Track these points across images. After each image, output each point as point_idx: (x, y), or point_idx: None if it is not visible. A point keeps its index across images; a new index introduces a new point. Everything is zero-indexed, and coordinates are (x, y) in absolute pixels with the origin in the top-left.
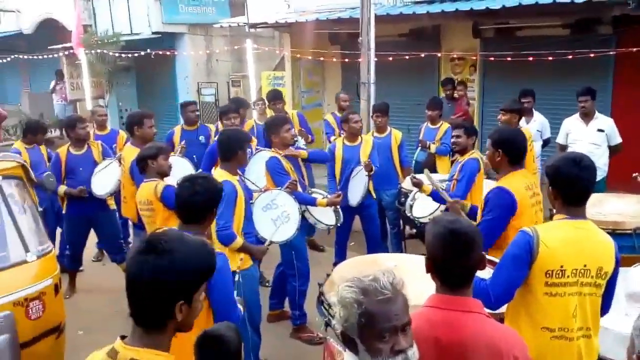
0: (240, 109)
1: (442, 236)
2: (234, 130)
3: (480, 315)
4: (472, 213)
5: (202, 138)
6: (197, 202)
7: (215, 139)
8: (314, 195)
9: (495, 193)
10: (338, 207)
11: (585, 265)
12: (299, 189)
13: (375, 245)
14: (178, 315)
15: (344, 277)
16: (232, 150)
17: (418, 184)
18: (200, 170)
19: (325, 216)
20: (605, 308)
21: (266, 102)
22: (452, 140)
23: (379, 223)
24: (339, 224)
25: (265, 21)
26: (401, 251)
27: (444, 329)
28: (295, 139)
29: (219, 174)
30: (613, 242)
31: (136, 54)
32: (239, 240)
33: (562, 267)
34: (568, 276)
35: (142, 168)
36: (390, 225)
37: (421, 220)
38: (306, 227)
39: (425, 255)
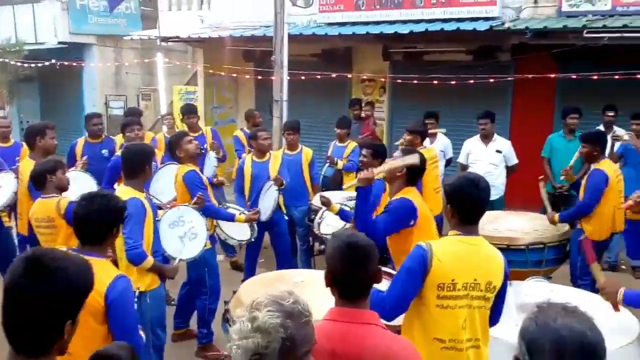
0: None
1: (340, 249)
2: (140, 145)
3: (376, 327)
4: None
5: (104, 151)
6: (95, 221)
7: (118, 153)
8: (230, 210)
9: (397, 201)
10: (254, 223)
11: (475, 280)
12: (214, 202)
13: (284, 261)
14: (67, 335)
15: (251, 295)
16: (138, 166)
17: (326, 203)
18: (101, 185)
19: (237, 232)
20: (493, 320)
21: (175, 116)
22: (360, 159)
23: (288, 239)
24: (253, 239)
25: (178, 35)
26: (310, 267)
27: (340, 342)
28: (203, 151)
29: (125, 191)
30: (502, 258)
31: (40, 64)
32: (150, 260)
33: (453, 280)
34: (459, 289)
35: (38, 183)
36: (300, 241)
37: (329, 237)
38: (229, 247)
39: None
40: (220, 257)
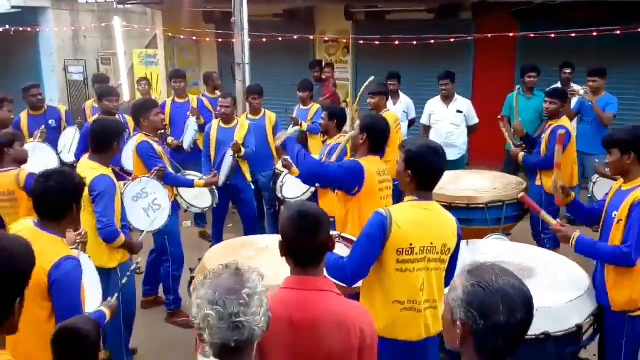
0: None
1: (292, 218)
2: (111, 121)
3: (330, 294)
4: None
5: (52, 122)
6: (52, 198)
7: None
8: (189, 177)
9: (349, 161)
10: (214, 188)
11: (431, 243)
12: (171, 170)
13: (251, 227)
14: (18, 311)
15: (215, 261)
16: (106, 142)
17: (287, 166)
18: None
19: (199, 200)
20: (448, 280)
21: (152, 81)
22: (320, 122)
23: (254, 206)
24: (215, 205)
25: None
26: (277, 231)
27: (296, 309)
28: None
29: (91, 166)
30: (455, 220)
31: None
32: (122, 237)
33: (411, 245)
34: (416, 253)
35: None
36: (267, 206)
37: (292, 200)
38: (199, 217)
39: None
40: (187, 224)
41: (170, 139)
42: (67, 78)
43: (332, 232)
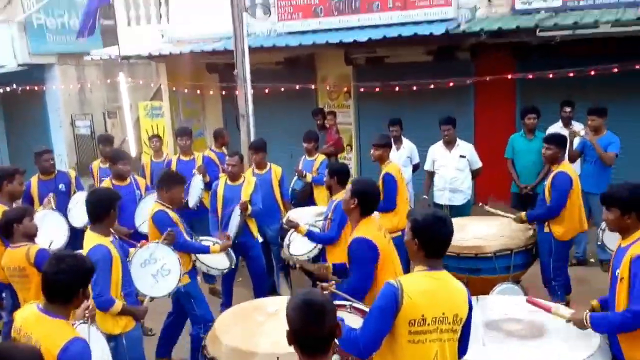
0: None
1: (298, 308)
2: (104, 190)
3: None
4: (339, 269)
5: (61, 186)
6: (61, 281)
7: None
8: (204, 242)
9: (357, 244)
10: (229, 250)
11: (443, 314)
12: (186, 237)
13: (260, 284)
14: None
15: (227, 328)
16: (103, 211)
17: (293, 225)
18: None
19: (216, 261)
20: (462, 351)
21: (162, 137)
22: (324, 179)
23: (263, 262)
24: (233, 266)
25: (139, 53)
26: (288, 284)
27: None
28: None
29: (90, 237)
30: (465, 290)
31: (0, 90)
32: (119, 304)
33: (423, 316)
34: (429, 324)
35: (6, 233)
36: (275, 259)
37: (299, 258)
38: (208, 276)
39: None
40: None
41: None
42: (74, 132)
43: (343, 302)
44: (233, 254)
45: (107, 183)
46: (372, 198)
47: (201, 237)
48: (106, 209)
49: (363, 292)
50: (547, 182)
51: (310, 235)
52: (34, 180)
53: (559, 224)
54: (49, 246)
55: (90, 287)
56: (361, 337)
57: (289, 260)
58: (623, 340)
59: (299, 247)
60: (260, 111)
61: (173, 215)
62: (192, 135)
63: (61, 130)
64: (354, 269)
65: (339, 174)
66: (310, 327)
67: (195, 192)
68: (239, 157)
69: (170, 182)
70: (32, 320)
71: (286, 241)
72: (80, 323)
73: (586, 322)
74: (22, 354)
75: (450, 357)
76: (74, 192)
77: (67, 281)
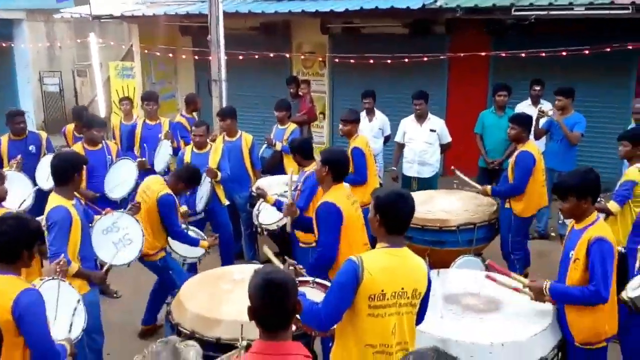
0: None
1: (259, 287)
2: (70, 154)
3: (298, 357)
4: (304, 221)
5: (32, 148)
6: (3, 242)
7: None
8: (191, 234)
9: (322, 208)
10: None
11: (402, 288)
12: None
13: (227, 250)
14: None
15: (192, 295)
16: (67, 175)
17: (262, 195)
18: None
19: (190, 250)
20: (419, 320)
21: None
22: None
23: (230, 229)
24: (208, 253)
25: (111, 13)
26: (254, 251)
27: None
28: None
29: (53, 198)
30: (425, 265)
31: None
32: (74, 266)
33: (382, 291)
34: (388, 299)
35: None
36: (244, 226)
37: (268, 227)
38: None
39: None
40: None
41: (145, 160)
42: (42, 89)
43: (307, 278)
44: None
45: (78, 147)
46: (342, 164)
47: (189, 227)
48: (70, 173)
49: (329, 259)
50: (511, 161)
51: (278, 205)
52: (4, 140)
53: (519, 201)
54: (19, 206)
55: (38, 247)
56: (322, 311)
57: (257, 227)
58: (572, 321)
59: (268, 216)
60: (234, 77)
61: (176, 200)
62: (159, 100)
63: (29, 87)
64: (321, 232)
65: (300, 151)
66: (270, 306)
67: (162, 157)
68: (206, 127)
69: (191, 180)
70: None
71: (255, 210)
72: (49, 279)
73: (545, 291)
74: None
75: (407, 329)
76: (44, 154)
77: (8, 242)
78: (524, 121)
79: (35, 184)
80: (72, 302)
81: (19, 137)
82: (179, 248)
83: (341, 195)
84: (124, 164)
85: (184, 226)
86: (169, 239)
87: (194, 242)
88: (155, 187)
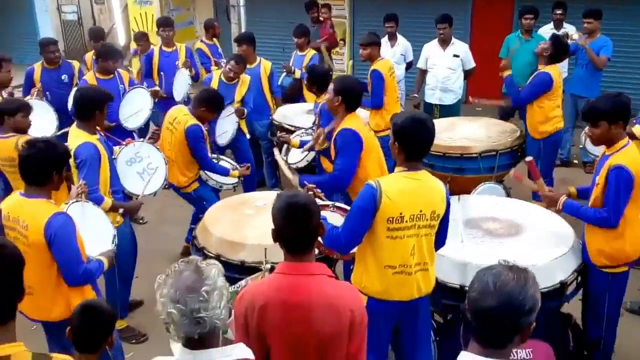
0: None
1: (282, 209)
2: (92, 90)
3: (322, 277)
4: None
5: (64, 77)
6: (32, 165)
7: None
8: (222, 164)
9: (343, 134)
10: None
11: (421, 211)
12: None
13: (249, 178)
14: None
15: (215, 220)
16: (89, 112)
17: (286, 141)
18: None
19: (226, 178)
20: (440, 243)
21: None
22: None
23: (251, 157)
24: (239, 184)
25: None
26: (276, 179)
27: (289, 293)
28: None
29: (77, 134)
30: (444, 188)
31: None
32: (108, 201)
33: (401, 214)
34: (406, 221)
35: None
36: (265, 154)
37: (298, 165)
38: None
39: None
40: None
41: (158, 89)
42: (60, 18)
43: (326, 202)
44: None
45: (89, 76)
46: (354, 94)
47: (220, 157)
48: (91, 109)
49: (346, 180)
50: (530, 79)
51: (302, 145)
52: (37, 67)
53: (532, 118)
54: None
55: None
56: (343, 234)
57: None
58: (591, 243)
59: (294, 156)
60: (252, 2)
61: (204, 129)
62: (174, 26)
63: (47, 15)
64: (340, 156)
65: (318, 82)
66: (294, 227)
67: (181, 87)
68: (243, 65)
69: (214, 105)
70: (16, 205)
71: (282, 156)
72: (74, 202)
73: (560, 205)
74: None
75: (427, 250)
76: (76, 84)
77: (37, 165)
78: (561, 45)
79: (61, 112)
80: (101, 220)
81: (53, 66)
82: (215, 175)
83: (358, 122)
84: (138, 93)
85: (214, 156)
86: None
87: (224, 172)
88: (182, 117)
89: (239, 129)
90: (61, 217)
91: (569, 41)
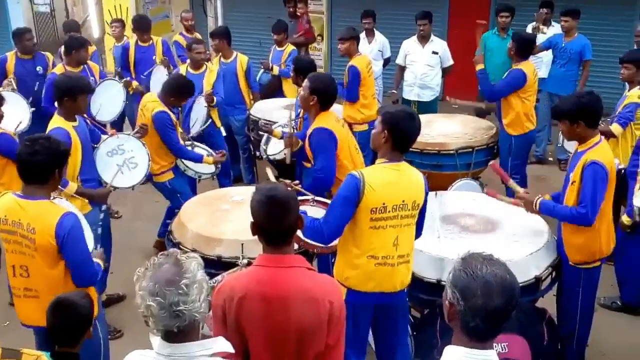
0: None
1: (262, 202)
2: (72, 78)
3: (301, 269)
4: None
5: (39, 68)
6: (37, 162)
7: (52, 70)
8: (197, 150)
9: (317, 134)
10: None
11: (403, 201)
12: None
13: (223, 174)
14: None
15: (191, 215)
16: (68, 98)
17: (268, 131)
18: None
19: (204, 167)
20: (418, 232)
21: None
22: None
23: (226, 150)
24: (218, 172)
25: None
26: (252, 174)
27: (268, 285)
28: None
29: (54, 120)
30: (423, 178)
31: None
32: (73, 185)
33: (384, 204)
34: (389, 211)
35: None
36: (241, 150)
37: (276, 157)
38: None
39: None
40: None
41: (134, 83)
42: (33, 10)
43: (306, 197)
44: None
45: (59, 69)
46: (329, 94)
47: (195, 144)
48: (70, 96)
49: (330, 179)
50: (505, 75)
51: (285, 137)
52: (11, 56)
53: (507, 116)
54: (16, 128)
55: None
56: (325, 225)
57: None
58: (566, 240)
59: (275, 147)
60: None
61: (173, 117)
62: (150, 28)
63: (19, 7)
64: (318, 156)
65: (305, 73)
66: (273, 221)
67: (158, 83)
68: (204, 45)
69: (180, 90)
70: (15, 208)
71: (262, 145)
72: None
73: (535, 206)
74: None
75: (408, 241)
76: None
77: (42, 162)
78: (521, 40)
79: (33, 105)
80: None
81: (28, 55)
82: (193, 164)
83: (331, 119)
84: (109, 85)
85: (188, 143)
86: None
87: (196, 159)
88: (150, 104)
89: (212, 122)
90: (71, 216)
91: (539, 34)
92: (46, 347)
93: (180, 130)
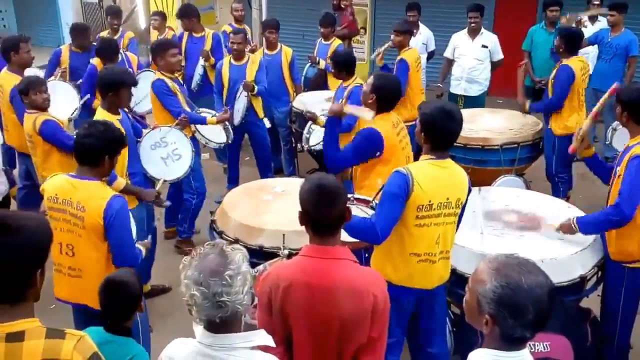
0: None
1: (311, 192)
2: (118, 71)
3: (346, 262)
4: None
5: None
6: (88, 145)
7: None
8: (202, 114)
9: (364, 132)
10: (227, 124)
11: (447, 199)
12: (185, 107)
13: (264, 164)
14: (40, 281)
15: (235, 205)
16: (112, 91)
17: (312, 118)
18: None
19: (215, 135)
20: (457, 227)
21: (168, 14)
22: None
23: (267, 143)
24: (229, 141)
25: None
26: (293, 166)
27: (314, 276)
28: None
29: (99, 113)
30: (466, 176)
31: None
32: (121, 181)
33: (430, 201)
34: (434, 209)
35: (21, 100)
36: (283, 142)
37: (317, 148)
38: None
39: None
40: (205, 156)
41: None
42: (81, 0)
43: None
44: (231, 130)
45: (96, 61)
46: (392, 96)
47: (200, 109)
48: (115, 89)
49: (336, 167)
50: (552, 75)
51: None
52: (66, 49)
53: (557, 120)
54: (71, 114)
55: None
56: (377, 223)
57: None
58: (608, 237)
59: (316, 138)
60: None
61: (171, 84)
62: (199, 15)
63: None
64: (350, 148)
65: (345, 65)
66: (322, 210)
67: (195, 75)
68: (243, 35)
69: (160, 49)
70: (67, 187)
71: (305, 134)
72: None
73: (574, 226)
74: (31, 221)
75: (450, 239)
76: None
77: (93, 145)
78: (568, 35)
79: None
80: None
81: (82, 49)
82: (205, 131)
83: (385, 121)
84: (147, 76)
85: (196, 109)
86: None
87: (200, 120)
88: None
89: (254, 113)
90: (120, 199)
91: (582, 27)
92: (83, 326)
93: (181, 97)
